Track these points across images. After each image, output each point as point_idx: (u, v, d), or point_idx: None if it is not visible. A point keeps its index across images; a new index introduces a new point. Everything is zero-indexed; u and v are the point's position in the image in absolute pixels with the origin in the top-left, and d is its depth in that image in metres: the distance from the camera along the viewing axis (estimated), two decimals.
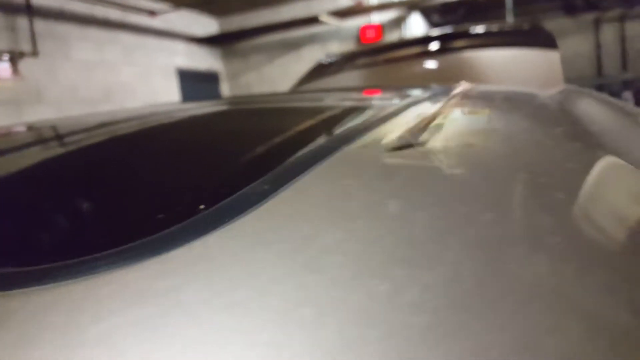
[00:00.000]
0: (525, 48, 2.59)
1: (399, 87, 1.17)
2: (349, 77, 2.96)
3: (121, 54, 5.84)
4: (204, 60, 7.33)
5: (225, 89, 7.69)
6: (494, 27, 2.85)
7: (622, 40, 7.92)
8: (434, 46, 2.79)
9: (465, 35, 2.78)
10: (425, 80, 2.66)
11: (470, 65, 2.56)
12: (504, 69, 2.52)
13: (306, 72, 3.32)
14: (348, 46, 7.02)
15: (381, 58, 2.94)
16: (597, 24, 7.96)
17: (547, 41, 2.66)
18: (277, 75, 7.42)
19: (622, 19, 7.86)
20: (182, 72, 6.72)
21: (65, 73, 5.13)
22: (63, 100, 5.11)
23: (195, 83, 7.00)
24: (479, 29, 2.88)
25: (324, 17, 6.68)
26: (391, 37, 6.80)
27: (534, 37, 2.74)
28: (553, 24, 7.95)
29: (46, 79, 4.93)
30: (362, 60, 3.07)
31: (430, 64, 2.71)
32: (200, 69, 7.21)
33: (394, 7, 6.66)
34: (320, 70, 3.27)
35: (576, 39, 8.00)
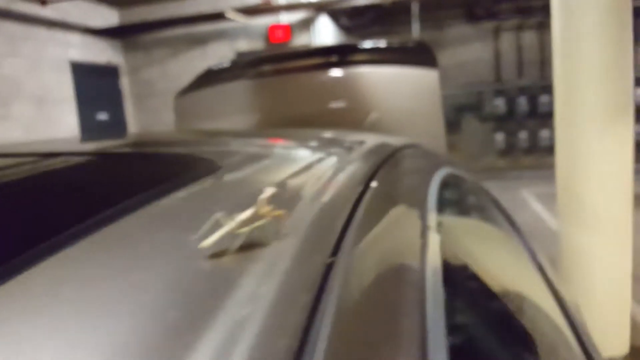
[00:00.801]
0: (406, 66, 2.65)
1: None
2: (234, 88, 2.89)
3: (4, 45, 5.37)
4: (102, 53, 6.92)
5: (126, 85, 7.32)
6: (380, 43, 2.88)
7: (519, 48, 8.39)
8: (316, 60, 2.78)
9: (347, 50, 2.80)
10: (305, 96, 2.66)
11: (351, 83, 2.57)
12: (383, 86, 2.56)
13: (194, 79, 3.20)
14: (256, 45, 6.91)
15: (265, 69, 2.90)
16: (496, 32, 8.38)
17: (427, 60, 2.73)
18: (181, 71, 7.15)
19: (519, 28, 8.32)
20: (76, 66, 6.29)
21: None
22: None
23: (92, 78, 6.59)
24: (365, 44, 2.90)
25: (230, 14, 6.51)
26: (300, 38, 6.77)
27: (416, 55, 2.81)
28: (456, 30, 8.28)
29: None
30: (247, 71, 3.01)
31: (312, 79, 2.69)
32: (98, 62, 6.79)
33: (302, 8, 6.62)
34: (208, 77, 3.16)
35: (478, 46, 8.38)
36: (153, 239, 0.49)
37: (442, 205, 0.79)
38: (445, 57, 8.24)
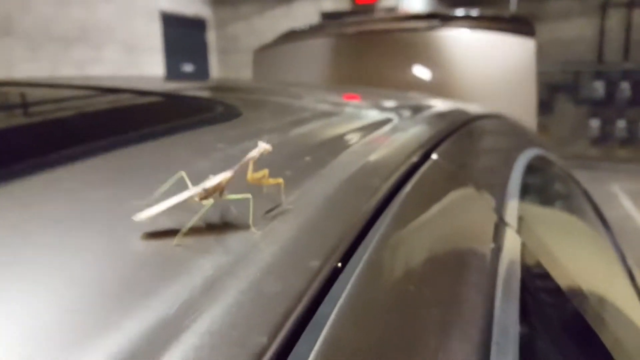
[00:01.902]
0: (501, 33, 2.43)
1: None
2: (313, 46, 2.81)
3: None
4: (191, 5, 7.01)
5: (212, 38, 7.41)
6: (475, 12, 2.68)
7: (628, 27, 7.65)
8: (407, 24, 2.62)
9: (443, 16, 2.61)
10: (395, 57, 2.51)
11: (440, 46, 2.40)
12: (475, 52, 2.37)
13: (278, 36, 3.15)
14: (341, 5, 6.74)
15: (351, 30, 2.78)
16: (604, 8, 7.67)
17: (524, 28, 2.50)
18: (266, 28, 7.13)
19: (630, 5, 7.56)
20: (166, 16, 6.42)
21: (38, 5, 4.87)
22: (35, 35, 4.87)
23: (180, 29, 6.71)
24: (459, 12, 2.71)
25: None
26: (388, 1, 6.53)
27: (513, 22, 2.58)
28: (557, 3, 7.66)
29: (17, 8, 4.67)
30: (331, 31, 2.91)
31: (397, 42, 2.55)
32: (186, 14, 6.90)
33: None
34: (290, 36, 3.11)
35: (580, 22, 7.72)
36: (91, 191, 0.38)
37: (525, 195, 0.65)
38: (542, 31, 7.66)
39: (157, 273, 0.28)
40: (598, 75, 7.59)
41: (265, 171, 0.39)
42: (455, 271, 0.39)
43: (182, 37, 6.79)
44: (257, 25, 7.21)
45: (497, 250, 0.44)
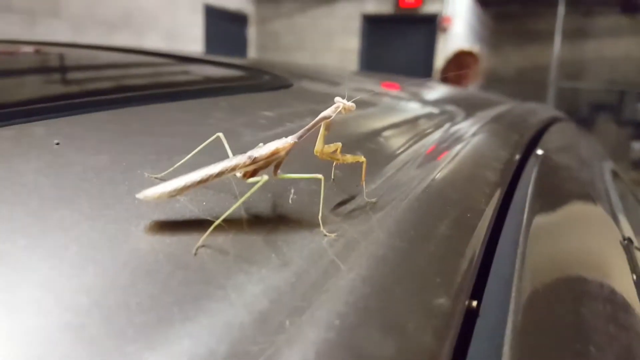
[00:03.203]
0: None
1: None
2: None
3: None
4: (234, 0, 7.06)
5: (252, 34, 7.44)
6: None
7: None
8: None
9: None
10: None
11: None
12: None
13: None
14: (385, 8, 6.69)
15: None
16: None
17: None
18: (307, 27, 7.14)
19: None
20: (209, 9, 6.48)
21: None
22: (81, 18, 4.96)
23: (222, 22, 6.76)
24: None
25: None
26: (432, 6, 6.45)
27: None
28: (606, 20, 7.45)
29: None
30: None
31: None
32: (229, 9, 6.95)
33: None
34: None
35: (629, 41, 7.48)
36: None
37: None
38: (588, 48, 7.48)
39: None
40: None
41: (339, 144, 0.29)
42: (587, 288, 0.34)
43: (223, 30, 6.84)
44: (298, 23, 7.22)
45: (632, 264, 0.40)
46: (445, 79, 2.60)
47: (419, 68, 6.18)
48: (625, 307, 0.33)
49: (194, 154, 0.28)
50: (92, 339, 0.17)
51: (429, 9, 6.45)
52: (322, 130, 0.28)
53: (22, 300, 0.19)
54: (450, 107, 0.83)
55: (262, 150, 0.26)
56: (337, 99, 0.29)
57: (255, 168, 0.26)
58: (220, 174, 0.25)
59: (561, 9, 6.71)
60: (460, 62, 2.60)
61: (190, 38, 6.27)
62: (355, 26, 6.88)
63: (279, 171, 0.27)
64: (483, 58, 2.85)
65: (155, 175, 0.26)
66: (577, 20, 7.11)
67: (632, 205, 0.95)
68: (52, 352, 0.16)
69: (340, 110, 0.29)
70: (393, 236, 0.25)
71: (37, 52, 0.77)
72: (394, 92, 0.85)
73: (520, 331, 0.23)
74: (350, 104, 0.29)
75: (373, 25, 6.82)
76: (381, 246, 0.24)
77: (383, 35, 6.77)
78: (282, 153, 0.27)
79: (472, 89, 2.06)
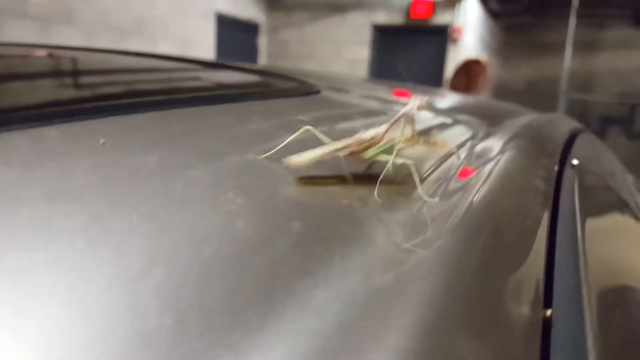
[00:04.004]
0: None
1: None
2: None
3: None
4: (247, 9, 7.11)
5: (263, 44, 7.48)
6: None
7: None
8: None
9: None
10: None
11: None
12: None
13: None
14: (396, 19, 6.71)
15: None
16: None
17: None
18: (317, 37, 7.16)
19: None
20: (221, 18, 6.52)
21: None
22: (94, 25, 5.00)
23: (233, 31, 6.80)
24: None
25: None
26: (443, 17, 6.46)
27: None
28: (618, 33, 7.43)
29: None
30: None
31: None
32: (241, 17, 6.99)
33: None
34: None
35: None
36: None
37: None
38: (599, 60, 7.45)
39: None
40: None
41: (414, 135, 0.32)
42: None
43: (235, 39, 6.88)
44: (308, 32, 7.25)
45: None
46: (455, 88, 2.59)
47: (429, 78, 6.18)
48: None
49: (286, 144, 0.31)
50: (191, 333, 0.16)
51: (439, 19, 6.46)
52: (403, 124, 0.31)
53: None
54: (474, 119, 0.82)
55: (365, 135, 0.30)
56: (412, 97, 0.31)
57: (359, 150, 0.30)
58: (333, 152, 0.29)
59: (572, 21, 6.70)
60: (469, 72, 2.59)
61: (202, 46, 6.31)
62: (365, 36, 6.90)
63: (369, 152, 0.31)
64: (492, 67, 2.84)
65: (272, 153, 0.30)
66: (589, 32, 7.10)
67: None
68: None
69: (419, 108, 0.32)
70: (463, 243, 0.24)
71: (68, 56, 0.78)
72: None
73: (601, 338, 0.22)
74: (424, 101, 0.32)
75: (384, 35, 6.84)
76: (454, 253, 0.23)
77: (394, 45, 6.79)
78: (377, 139, 0.31)
79: (488, 98, 2.04)
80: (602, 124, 7.47)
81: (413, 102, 0.31)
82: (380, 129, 0.31)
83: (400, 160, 0.29)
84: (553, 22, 7.15)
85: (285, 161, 0.28)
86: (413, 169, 0.28)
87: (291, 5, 7.33)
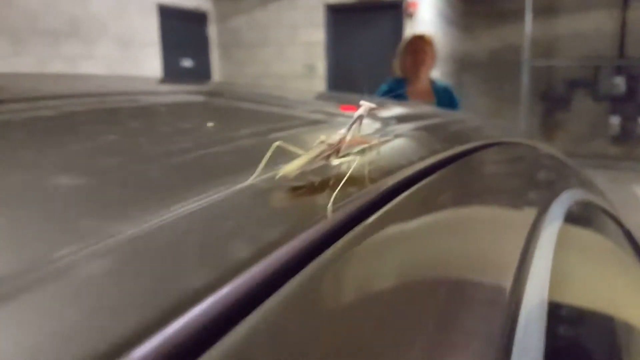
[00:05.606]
0: None
1: None
2: None
3: None
4: None
5: (213, 33, 7.12)
6: None
7: None
8: None
9: None
10: None
11: None
12: None
13: None
14: None
15: None
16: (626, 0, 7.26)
17: None
18: (269, 22, 6.85)
19: None
20: (164, 9, 6.15)
21: None
22: (21, 31, 4.62)
23: (179, 23, 6.44)
24: None
25: None
26: None
27: None
28: None
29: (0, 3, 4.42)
30: None
31: None
32: (186, 7, 6.62)
33: None
34: None
35: (600, 14, 7.31)
36: None
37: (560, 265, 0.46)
38: (559, 24, 7.31)
39: None
40: (619, 70, 7.21)
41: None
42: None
43: (181, 31, 6.52)
44: (260, 18, 6.92)
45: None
46: (402, 68, 2.48)
47: (387, 57, 5.95)
48: None
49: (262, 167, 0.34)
50: None
51: None
52: (356, 125, 0.38)
53: None
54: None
55: (333, 139, 0.37)
56: (362, 102, 0.39)
57: (329, 153, 0.36)
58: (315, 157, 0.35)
59: None
60: (415, 49, 2.44)
61: (146, 42, 5.95)
62: (319, 17, 6.61)
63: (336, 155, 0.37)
64: (438, 42, 2.68)
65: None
66: None
67: (597, 245, 0.74)
68: None
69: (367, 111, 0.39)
70: None
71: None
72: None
73: None
74: (373, 104, 0.39)
75: (338, 15, 6.56)
76: None
77: (349, 25, 6.51)
78: (342, 142, 0.37)
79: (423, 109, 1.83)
80: (567, 88, 7.38)
81: (363, 107, 0.38)
82: (342, 132, 0.37)
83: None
84: None
85: (279, 172, 0.32)
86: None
87: None
